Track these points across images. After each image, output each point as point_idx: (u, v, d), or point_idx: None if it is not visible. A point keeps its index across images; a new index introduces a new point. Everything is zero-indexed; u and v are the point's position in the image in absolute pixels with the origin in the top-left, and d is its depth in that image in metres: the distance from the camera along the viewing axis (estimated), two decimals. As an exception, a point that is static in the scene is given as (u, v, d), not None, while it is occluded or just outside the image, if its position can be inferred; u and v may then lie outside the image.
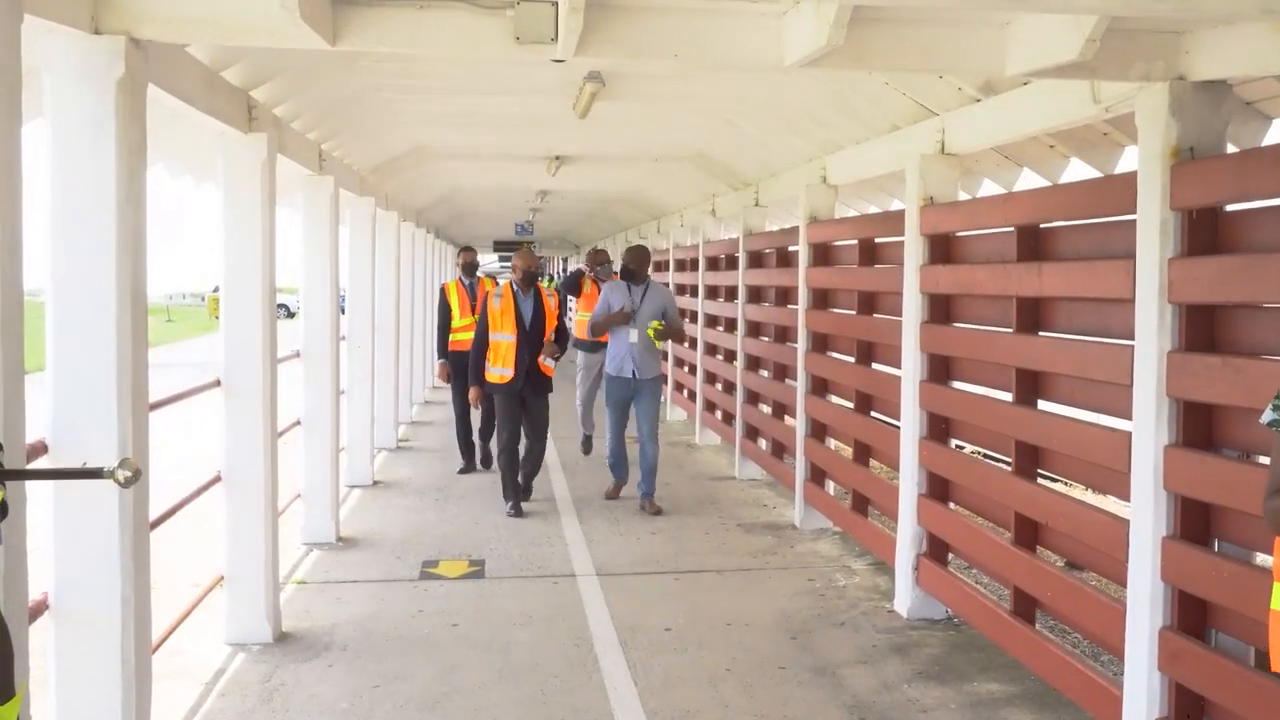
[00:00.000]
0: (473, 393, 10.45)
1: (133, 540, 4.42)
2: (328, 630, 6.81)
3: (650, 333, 10.29)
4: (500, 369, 10.06)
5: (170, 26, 4.35)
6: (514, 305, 10.09)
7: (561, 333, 10.46)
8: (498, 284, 10.92)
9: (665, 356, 15.51)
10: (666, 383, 15.98)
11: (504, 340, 10.03)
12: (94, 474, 2.78)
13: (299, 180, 8.72)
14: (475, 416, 12.12)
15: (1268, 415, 3.06)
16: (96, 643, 4.38)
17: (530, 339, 10.07)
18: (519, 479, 10.25)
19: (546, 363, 10.21)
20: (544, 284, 12.21)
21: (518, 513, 9.93)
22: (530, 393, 10.16)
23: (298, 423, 8.94)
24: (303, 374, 8.97)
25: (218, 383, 6.50)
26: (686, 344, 15.06)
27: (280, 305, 35.85)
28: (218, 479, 6.51)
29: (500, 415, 10.22)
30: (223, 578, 6.58)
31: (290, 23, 4.15)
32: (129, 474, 2.76)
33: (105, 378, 4.30)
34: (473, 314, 11.94)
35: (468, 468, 12.20)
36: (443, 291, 12.67)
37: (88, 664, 4.39)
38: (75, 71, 4.26)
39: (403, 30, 4.60)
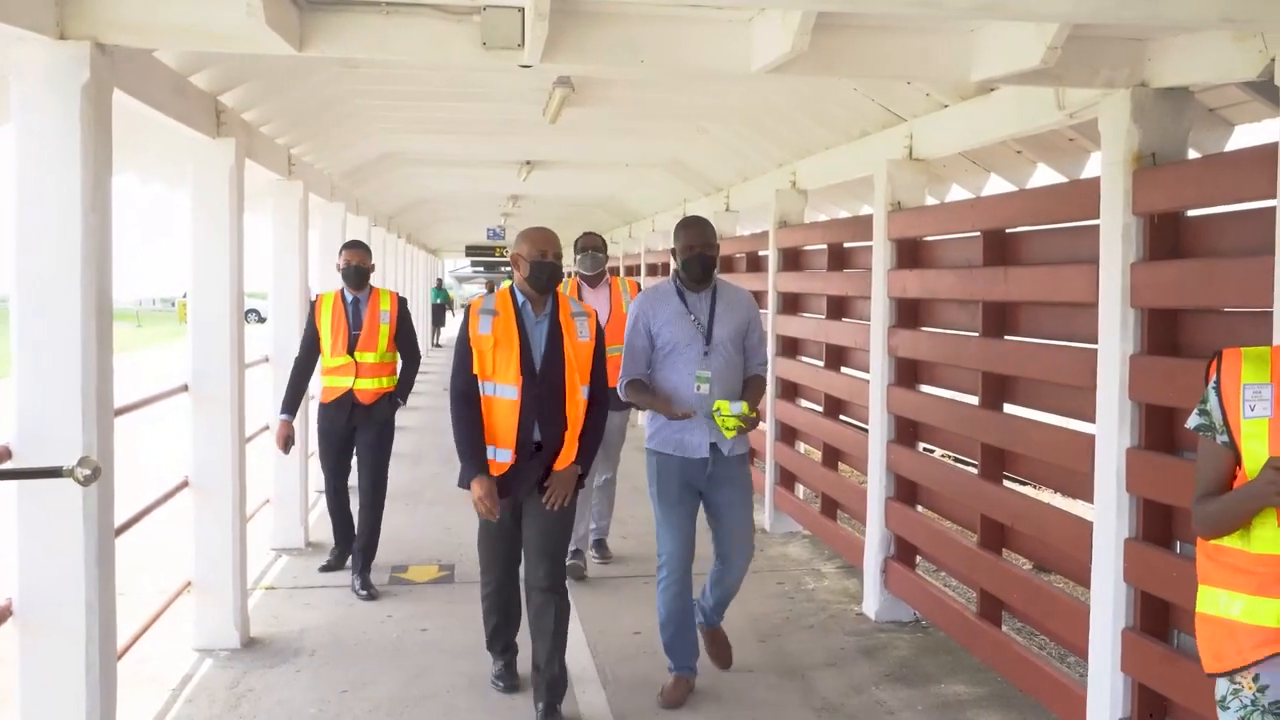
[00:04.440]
0: (479, 489, 5.37)
1: (98, 545, 4.40)
2: (296, 635, 6.79)
3: (729, 424, 5.59)
4: (493, 449, 5.45)
5: (135, 32, 4.34)
6: (517, 332, 5.43)
7: (599, 401, 5.64)
8: (489, 293, 6.14)
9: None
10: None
11: (501, 398, 5.41)
12: (53, 473, 2.79)
13: (268, 185, 8.70)
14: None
15: (1193, 420, 3.12)
16: (61, 649, 4.36)
17: (547, 395, 5.41)
18: (518, 668, 6.02)
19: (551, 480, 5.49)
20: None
21: (505, 680, 5.96)
22: (533, 494, 5.49)
23: (267, 428, 8.92)
24: (272, 379, 8.96)
25: (185, 387, 6.48)
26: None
27: (251, 310, 35.33)
28: (185, 484, 6.49)
29: (483, 541, 5.73)
30: (190, 583, 6.56)
31: (256, 28, 4.16)
32: (88, 472, 2.76)
33: (70, 383, 4.29)
34: (348, 349, 7.71)
35: (337, 558, 8.27)
36: (311, 306, 8.05)
37: (52, 671, 4.37)
38: (40, 77, 4.25)
39: (369, 36, 4.61)
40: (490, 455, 5.42)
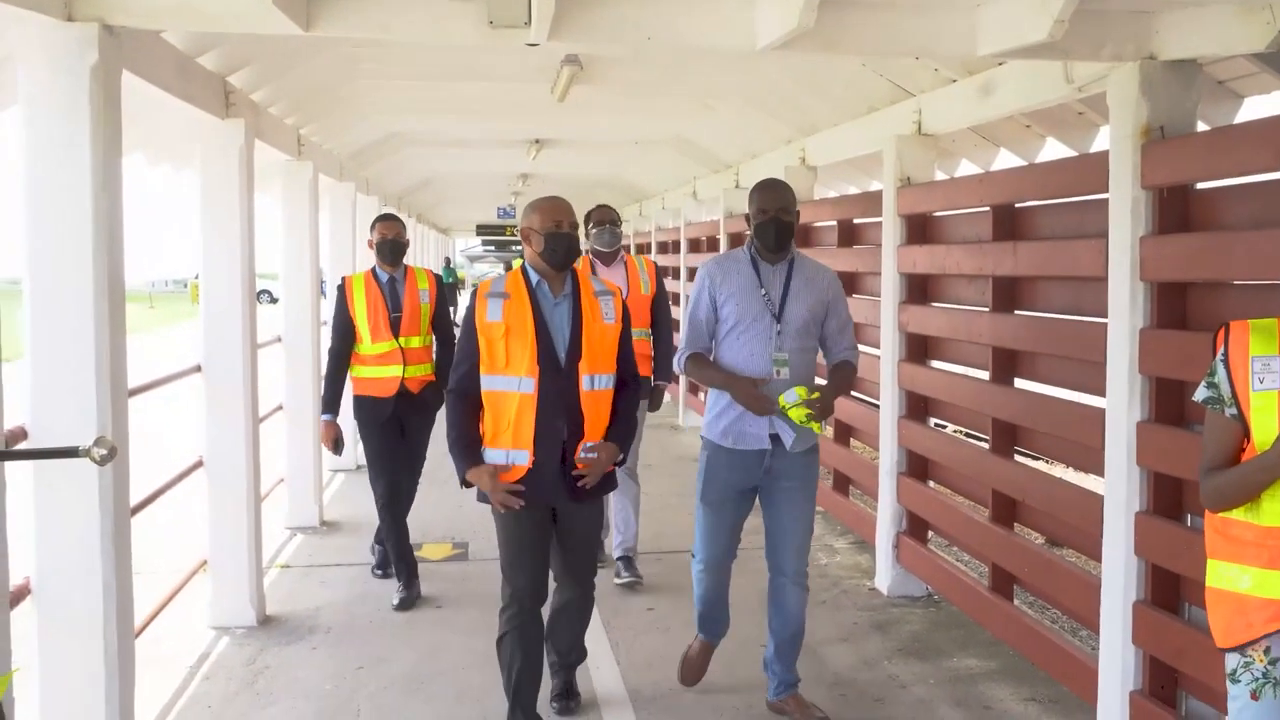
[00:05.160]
0: (483, 479, 4.75)
1: (114, 525, 4.43)
2: (311, 613, 6.84)
3: (800, 415, 4.93)
4: (503, 453, 4.78)
5: (143, 13, 4.35)
6: (532, 316, 4.75)
7: (631, 383, 5.03)
8: (500, 275, 5.07)
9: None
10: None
11: (515, 393, 4.71)
12: (69, 453, 2.81)
13: (278, 166, 8.72)
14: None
15: (1201, 393, 3.12)
16: (79, 628, 4.40)
17: (573, 387, 4.76)
18: (544, 661, 5.18)
19: (586, 456, 4.80)
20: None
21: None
22: (566, 502, 4.87)
23: (280, 407, 8.97)
24: (284, 359, 9.02)
25: (198, 368, 6.52)
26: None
27: (263, 291, 35.26)
28: (199, 464, 6.53)
29: (506, 548, 4.92)
30: (205, 562, 6.61)
31: (262, 8, 4.17)
32: (104, 452, 2.78)
33: (83, 364, 4.32)
34: (392, 333, 6.99)
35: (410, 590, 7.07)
36: (340, 291, 7.20)
37: (70, 648, 4.41)
38: (48, 59, 4.26)
39: (377, 16, 4.60)
40: (503, 459, 4.75)
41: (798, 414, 4.91)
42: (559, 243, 4.77)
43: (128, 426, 4.66)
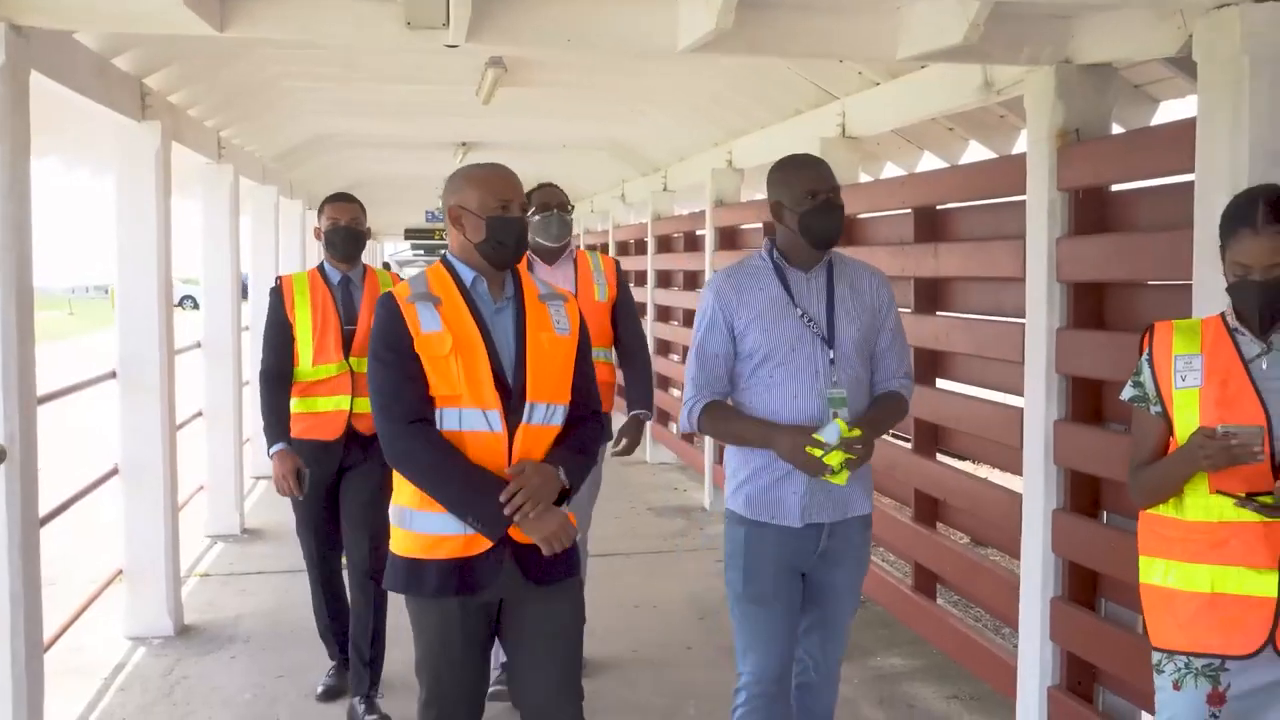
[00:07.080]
0: (554, 522, 3.33)
1: (21, 534, 4.33)
2: (231, 622, 6.74)
3: (835, 461, 3.56)
4: (441, 519, 3.34)
5: (51, 13, 4.26)
6: (475, 325, 3.37)
7: (597, 415, 3.59)
8: (418, 275, 3.58)
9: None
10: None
11: (476, 433, 3.32)
12: (-43, 458, 2.75)
13: (197, 169, 8.60)
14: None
15: (1128, 391, 3.20)
16: (-16, 640, 4.30)
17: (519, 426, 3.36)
18: None
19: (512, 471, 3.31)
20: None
21: None
22: (523, 581, 3.38)
23: (200, 414, 8.85)
24: (204, 365, 8.90)
25: (113, 374, 6.40)
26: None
27: (186, 296, 34.56)
28: (114, 472, 6.41)
29: (424, 643, 3.54)
30: (121, 571, 6.49)
31: (174, 8, 4.07)
32: (-7, 455, 2.73)
33: (-11, 371, 4.22)
34: (343, 352, 5.13)
35: (338, 675, 5.62)
36: (276, 294, 5.25)
37: (-25, 661, 4.32)
38: (-48, 60, 4.17)
39: (293, 17, 4.52)
40: (438, 528, 3.35)
41: (834, 459, 3.57)
42: (507, 231, 3.39)
43: (36, 433, 4.56)
